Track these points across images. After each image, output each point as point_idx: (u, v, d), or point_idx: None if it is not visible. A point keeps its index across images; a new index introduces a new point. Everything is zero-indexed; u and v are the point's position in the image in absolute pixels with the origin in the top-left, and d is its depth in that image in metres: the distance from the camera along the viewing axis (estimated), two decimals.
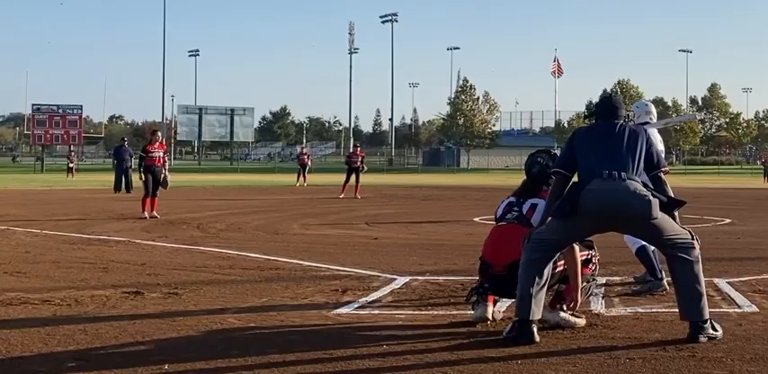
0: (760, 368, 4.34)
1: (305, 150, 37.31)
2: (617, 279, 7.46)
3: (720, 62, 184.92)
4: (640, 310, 5.96)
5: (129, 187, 26.44)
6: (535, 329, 4.94)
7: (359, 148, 25.98)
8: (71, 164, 46.33)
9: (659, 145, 5.99)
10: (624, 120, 5.44)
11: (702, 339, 4.86)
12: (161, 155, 16.28)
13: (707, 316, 4.95)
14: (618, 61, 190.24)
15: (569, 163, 5.25)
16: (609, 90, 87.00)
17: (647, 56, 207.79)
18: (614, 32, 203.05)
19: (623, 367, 4.38)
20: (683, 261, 4.99)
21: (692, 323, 4.93)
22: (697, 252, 5.04)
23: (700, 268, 5.01)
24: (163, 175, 15.96)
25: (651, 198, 4.92)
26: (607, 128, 5.25)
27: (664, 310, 5.92)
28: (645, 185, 5.02)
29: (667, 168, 5.31)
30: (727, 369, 4.29)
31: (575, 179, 5.24)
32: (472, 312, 5.58)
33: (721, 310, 6.00)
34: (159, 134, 17.81)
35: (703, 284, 5.00)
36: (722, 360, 4.48)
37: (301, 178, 33.04)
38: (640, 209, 4.90)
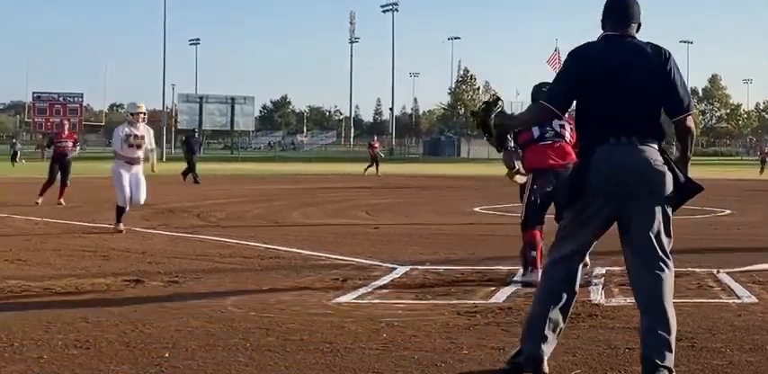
0: (759, 358, 4.35)
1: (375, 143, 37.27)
2: (617, 269, 7.46)
3: (721, 53, 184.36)
4: None
5: (194, 175, 25.26)
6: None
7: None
8: (17, 149, 45.75)
9: None
10: (639, 27, 4.22)
11: None
12: (70, 145, 16.33)
13: (671, 361, 3.85)
14: None
15: (567, 99, 4.17)
16: None
17: None
18: None
19: (622, 357, 4.39)
20: (655, 276, 3.94)
21: (649, 360, 3.84)
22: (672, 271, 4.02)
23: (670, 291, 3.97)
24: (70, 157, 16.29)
25: (666, 171, 4.00)
26: (617, 51, 4.09)
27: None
28: (663, 152, 4.06)
29: (694, 110, 4.33)
30: (727, 360, 4.30)
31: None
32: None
33: (721, 301, 6.02)
34: (66, 123, 17.80)
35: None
36: (721, 350, 4.49)
37: (372, 168, 33.29)
38: (652, 184, 3.97)
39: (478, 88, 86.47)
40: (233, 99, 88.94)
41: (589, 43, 4.22)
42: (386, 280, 6.97)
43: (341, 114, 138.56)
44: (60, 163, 16.10)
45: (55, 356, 4.35)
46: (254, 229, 11.40)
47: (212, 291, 6.35)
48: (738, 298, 6.14)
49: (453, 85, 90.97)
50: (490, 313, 5.51)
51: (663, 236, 3.99)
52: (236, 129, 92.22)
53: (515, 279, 6.93)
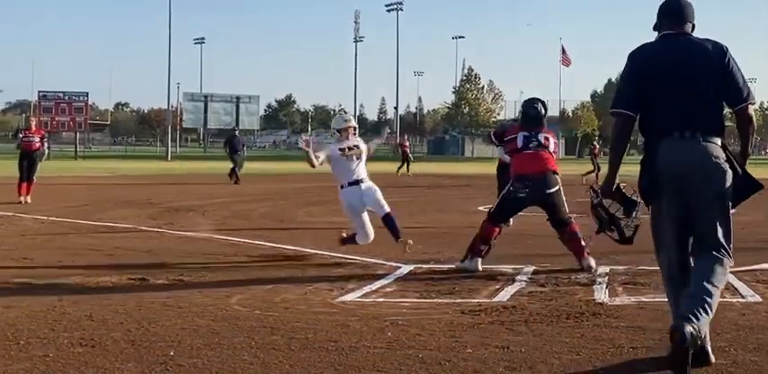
0: (763, 357, 4.35)
1: (405, 142, 37.27)
2: (620, 268, 7.47)
3: None
4: (644, 299, 5.97)
5: (236, 176, 24.26)
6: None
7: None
8: None
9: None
10: (693, 27, 4.37)
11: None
12: (36, 140, 16.32)
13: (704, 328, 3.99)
14: (622, 51, 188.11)
15: (635, 99, 4.22)
16: (614, 80, 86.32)
17: None
18: (619, 21, 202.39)
19: (626, 356, 4.39)
20: (712, 263, 4.07)
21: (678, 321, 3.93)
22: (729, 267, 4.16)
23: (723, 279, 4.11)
24: (40, 152, 16.26)
25: (728, 168, 4.12)
26: (676, 50, 4.24)
27: (667, 300, 5.92)
28: (725, 148, 4.19)
29: (753, 100, 4.29)
30: (731, 359, 4.30)
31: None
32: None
33: (725, 300, 5.99)
34: (33, 119, 17.69)
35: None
36: (725, 349, 4.48)
37: (404, 167, 33.16)
38: (714, 181, 4.09)
39: (483, 87, 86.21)
40: (238, 98, 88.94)
41: (648, 44, 4.37)
42: (390, 278, 6.99)
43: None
44: (27, 158, 16.08)
45: (60, 354, 4.37)
46: (260, 228, 11.42)
47: (217, 290, 6.37)
48: (742, 297, 6.13)
49: (458, 84, 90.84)
50: (494, 312, 5.51)
51: (722, 233, 4.11)
52: (240, 127, 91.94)
53: (457, 264, 7.56)
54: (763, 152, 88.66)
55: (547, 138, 7.78)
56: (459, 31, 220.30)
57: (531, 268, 7.39)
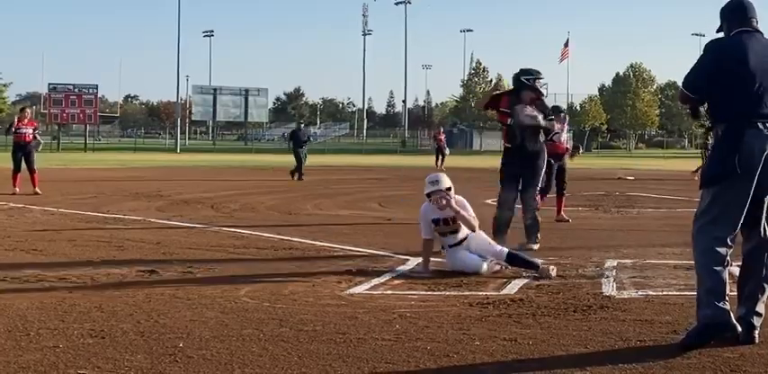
0: None
1: (440, 134, 35.31)
2: (628, 261, 7.47)
3: None
4: (651, 293, 5.98)
5: (300, 172, 23.10)
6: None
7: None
8: None
9: None
10: (757, 25, 4.64)
11: None
12: (30, 131, 16.34)
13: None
14: (630, 44, 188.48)
15: (706, 85, 4.54)
16: (621, 73, 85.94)
17: (659, 39, 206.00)
18: (627, 15, 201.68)
19: (634, 349, 4.40)
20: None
21: (746, 321, 4.51)
22: None
23: None
24: (35, 142, 16.48)
25: None
26: (751, 46, 4.49)
27: (675, 293, 5.93)
28: None
29: None
30: (738, 352, 4.30)
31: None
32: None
33: (732, 293, 6.00)
34: (28, 111, 17.67)
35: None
36: (732, 342, 4.48)
37: (439, 161, 31.97)
38: None
39: (491, 80, 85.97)
40: (247, 91, 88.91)
41: (724, 38, 4.64)
42: (399, 271, 7.00)
43: (354, 106, 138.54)
44: (21, 150, 16.15)
45: (70, 345, 4.40)
46: (268, 220, 11.45)
47: (226, 282, 6.39)
48: None
49: (466, 78, 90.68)
50: (502, 304, 5.53)
51: None
52: (249, 120, 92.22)
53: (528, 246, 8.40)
54: None
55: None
56: (467, 24, 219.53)
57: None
